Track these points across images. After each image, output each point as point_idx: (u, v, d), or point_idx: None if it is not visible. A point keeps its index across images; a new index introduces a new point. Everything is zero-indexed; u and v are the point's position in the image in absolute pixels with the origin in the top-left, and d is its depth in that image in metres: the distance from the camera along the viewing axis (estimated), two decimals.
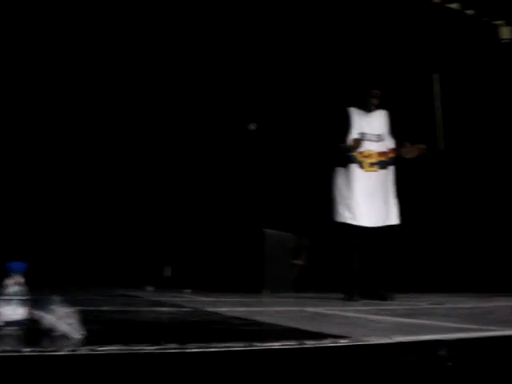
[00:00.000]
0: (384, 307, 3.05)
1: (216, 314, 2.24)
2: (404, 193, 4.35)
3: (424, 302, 3.70)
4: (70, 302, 1.31)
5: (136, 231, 7.08)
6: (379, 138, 4.20)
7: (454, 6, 7.18)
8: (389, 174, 4.22)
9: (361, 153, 4.10)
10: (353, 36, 6.96)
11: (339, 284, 4.18)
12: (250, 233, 6.00)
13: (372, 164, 4.11)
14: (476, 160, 6.82)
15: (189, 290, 5.07)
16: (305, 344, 1.20)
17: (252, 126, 7.06)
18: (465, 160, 6.96)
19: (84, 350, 1.03)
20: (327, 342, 1.24)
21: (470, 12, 7.21)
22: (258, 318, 2.05)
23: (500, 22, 7.32)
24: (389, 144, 4.22)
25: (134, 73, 7.09)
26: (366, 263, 4.09)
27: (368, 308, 2.92)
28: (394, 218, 4.14)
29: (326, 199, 4.26)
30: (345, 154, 4.11)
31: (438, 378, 1.31)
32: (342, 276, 4.14)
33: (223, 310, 2.50)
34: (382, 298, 3.92)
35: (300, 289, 6.35)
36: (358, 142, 4.08)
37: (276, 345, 1.16)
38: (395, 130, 4.26)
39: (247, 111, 7.62)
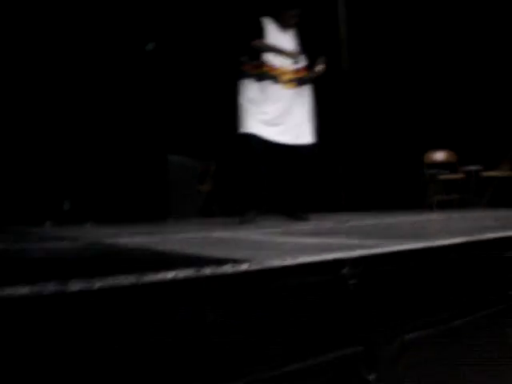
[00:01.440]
0: (289, 228, 3.05)
1: (113, 245, 2.11)
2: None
3: (329, 222, 3.79)
4: None
5: (31, 163, 6.61)
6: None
7: None
8: (305, 92, 4.15)
9: (276, 69, 3.98)
10: None
11: (240, 205, 4.04)
12: (154, 159, 5.79)
13: (290, 80, 4.02)
14: (379, 79, 6.94)
15: (89, 223, 4.85)
16: (202, 271, 1.11)
17: (150, 46, 6.63)
18: (368, 79, 7.06)
19: None
20: (227, 268, 1.16)
21: None
22: (160, 247, 1.95)
23: None
24: (302, 62, 4.12)
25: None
26: (279, 183, 4.07)
27: (274, 230, 2.91)
28: (308, 137, 4.10)
29: (230, 121, 4.12)
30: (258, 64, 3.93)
31: (343, 297, 1.29)
32: (241, 194, 4.05)
33: (122, 240, 2.36)
34: (299, 218, 3.97)
35: (207, 215, 6.31)
36: (274, 47, 3.96)
37: (170, 274, 1.06)
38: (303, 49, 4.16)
39: (144, 30, 7.14)
